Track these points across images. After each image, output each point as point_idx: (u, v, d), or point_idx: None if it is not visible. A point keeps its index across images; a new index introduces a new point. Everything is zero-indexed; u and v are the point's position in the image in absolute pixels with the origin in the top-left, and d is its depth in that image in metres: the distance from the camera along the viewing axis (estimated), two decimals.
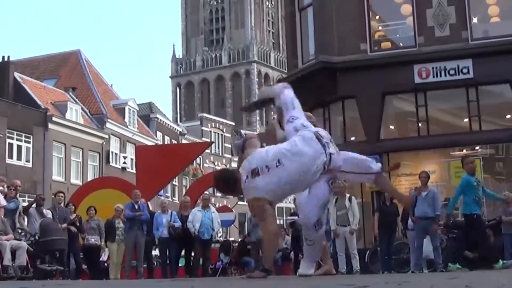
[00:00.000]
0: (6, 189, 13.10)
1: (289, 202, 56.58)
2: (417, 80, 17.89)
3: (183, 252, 15.94)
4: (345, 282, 4.57)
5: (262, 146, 6.33)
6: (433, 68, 17.79)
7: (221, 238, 24.81)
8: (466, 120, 18.16)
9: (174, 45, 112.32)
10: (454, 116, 19.11)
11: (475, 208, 12.17)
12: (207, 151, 48.89)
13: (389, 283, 4.30)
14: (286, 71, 31.37)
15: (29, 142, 35.83)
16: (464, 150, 18.47)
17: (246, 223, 36.27)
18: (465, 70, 17.52)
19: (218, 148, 60.29)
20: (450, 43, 17.68)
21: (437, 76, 17.78)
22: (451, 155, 18.24)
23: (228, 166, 52.34)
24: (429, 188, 13.44)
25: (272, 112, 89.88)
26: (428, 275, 10.01)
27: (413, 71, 17.90)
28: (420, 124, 18.39)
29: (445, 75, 17.71)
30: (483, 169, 17.43)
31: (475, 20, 18.14)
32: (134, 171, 27.27)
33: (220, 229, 21.70)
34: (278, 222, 51.74)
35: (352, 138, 19.31)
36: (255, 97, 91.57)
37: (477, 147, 18.28)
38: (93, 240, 15.61)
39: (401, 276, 8.97)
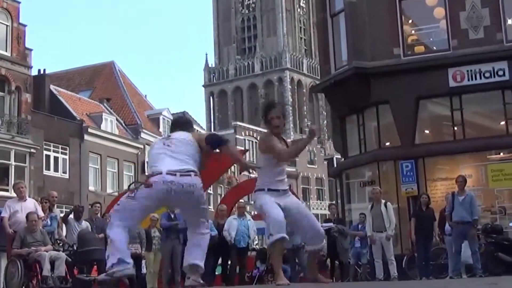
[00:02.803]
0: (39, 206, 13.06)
1: (324, 209, 56.38)
2: (452, 83, 17.73)
3: (219, 261, 15.96)
4: None
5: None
6: (467, 71, 17.62)
7: (257, 246, 24.77)
8: (503, 123, 17.95)
9: (206, 54, 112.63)
10: (490, 119, 18.90)
11: None
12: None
13: None
14: (319, 78, 31.29)
15: (65, 154, 36.23)
16: (501, 153, 18.26)
17: None
18: (500, 73, 17.33)
19: (253, 156, 60.31)
20: (484, 46, 17.50)
21: (472, 79, 17.60)
22: (488, 159, 18.02)
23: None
24: (466, 192, 13.30)
25: (306, 119, 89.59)
26: (467, 281, 9.90)
27: (447, 75, 17.76)
28: (455, 128, 18.23)
29: (480, 78, 17.52)
30: None
31: (509, 21, 17.92)
32: None
33: (256, 237, 21.71)
34: None
35: (387, 144, 19.20)
36: (288, 104, 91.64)
37: None
38: (132, 249, 15.66)
39: (441, 282, 8.90)
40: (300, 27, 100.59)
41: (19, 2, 33.85)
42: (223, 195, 43.07)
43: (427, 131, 19.30)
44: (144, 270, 16.94)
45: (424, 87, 17.84)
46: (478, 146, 17.68)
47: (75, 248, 13.26)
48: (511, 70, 17.18)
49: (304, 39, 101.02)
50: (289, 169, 61.41)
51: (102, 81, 47.24)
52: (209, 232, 6.80)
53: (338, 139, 20.96)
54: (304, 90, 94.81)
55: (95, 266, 14.17)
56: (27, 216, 11.88)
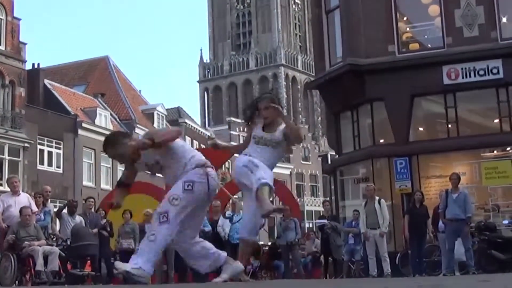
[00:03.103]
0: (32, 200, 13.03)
1: (318, 205, 56.41)
2: (446, 81, 17.75)
3: None
4: (378, 286, 4.54)
5: None
6: (462, 69, 17.63)
7: None
8: (497, 120, 17.98)
9: (201, 50, 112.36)
10: (484, 117, 18.91)
11: None
12: (236, 155, 48.87)
13: (423, 287, 4.26)
14: (313, 74, 31.27)
15: (59, 148, 36.18)
16: (495, 151, 18.30)
17: (275, 227, 36.23)
18: (494, 71, 17.35)
19: None
20: (479, 44, 17.51)
21: (466, 77, 17.61)
22: (481, 157, 18.05)
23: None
24: (460, 190, 13.32)
25: (300, 116, 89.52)
26: (460, 278, 9.92)
27: (441, 72, 17.77)
28: (449, 126, 18.25)
29: (475, 75, 17.54)
30: None
31: (504, 19, 17.95)
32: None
33: None
34: (307, 225, 50.94)
35: (381, 141, 19.21)
36: (282, 101, 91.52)
37: (508, 148, 18.09)
38: (126, 244, 15.62)
39: (434, 279, 8.90)
40: (295, 24, 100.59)
41: None
42: (217, 191, 42.94)
43: (421, 129, 19.32)
44: None
45: (419, 85, 17.85)
46: (472, 144, 17.70)
47: (68, 242, 13.25)
48: (505, 68, 17.20)
49: (299, 36, 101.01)
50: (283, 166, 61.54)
51: (97, 76, 47.17)
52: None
53: (332, 135, 20.97)
54: (299, 87, 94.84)
55: (89, 261, 14.18)
56: (20, 211, 11.86)
